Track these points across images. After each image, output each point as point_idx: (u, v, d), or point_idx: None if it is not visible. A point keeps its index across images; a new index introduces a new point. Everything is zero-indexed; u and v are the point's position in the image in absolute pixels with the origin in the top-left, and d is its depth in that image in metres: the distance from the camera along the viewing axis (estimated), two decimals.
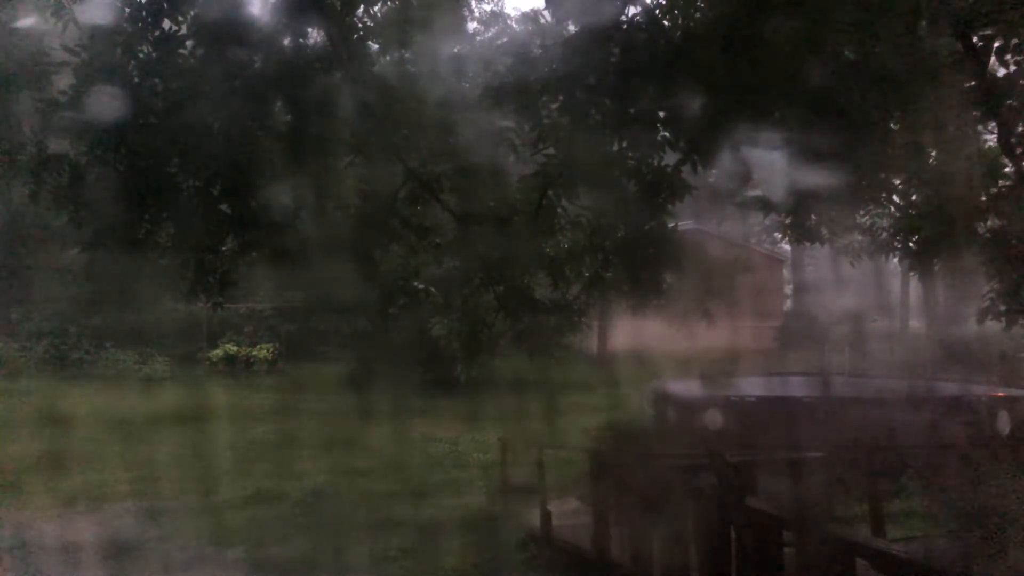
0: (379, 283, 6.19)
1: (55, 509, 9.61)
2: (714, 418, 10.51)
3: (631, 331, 16.52)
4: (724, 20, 5.06)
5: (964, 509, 5.25)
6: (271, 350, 20.41)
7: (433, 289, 6.39)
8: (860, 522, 6.41)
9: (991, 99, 5.36)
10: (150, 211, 5.37)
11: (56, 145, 5.12)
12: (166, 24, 5.08)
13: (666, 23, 5.46)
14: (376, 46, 6.22)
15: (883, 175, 6.21)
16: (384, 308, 6.34)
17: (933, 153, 6.47)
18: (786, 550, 4.91)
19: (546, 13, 6.07)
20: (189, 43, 5.19)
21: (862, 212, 7.01)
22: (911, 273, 10.64)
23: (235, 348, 20.31)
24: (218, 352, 20.10)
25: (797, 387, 11.83)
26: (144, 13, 5.01)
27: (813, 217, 6.28)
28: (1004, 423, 9.97)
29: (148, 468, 10.94)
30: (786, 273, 28.30)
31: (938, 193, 6.50)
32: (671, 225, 6.05)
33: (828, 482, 6.15)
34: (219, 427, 13.12)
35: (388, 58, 6.49)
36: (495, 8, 37.22)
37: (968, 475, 6.15)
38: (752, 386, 11.87)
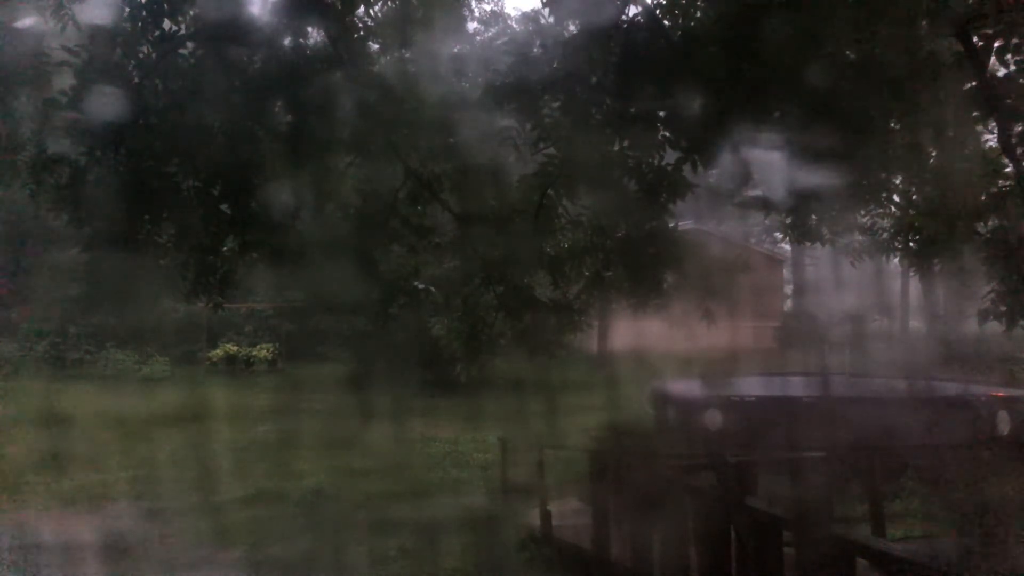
0: (379, 283, 6.19)
1: (55, 509, 9.62)
2: (714, 418, 10.50)
3: (631, 331, 16.53)
4: (724, 20, 5.06)
5: (964, 509, 5.25)
6: (271, 350, 20.43)
7: (433, 289, 6.39)
8: (860, 522, 6.40)
9: (991, 99, 5.35)
10: (150, 211, 5.37)
11: (56, 145, 5.11)
12: (166, 24, 5.07)
13: (666, 23, 5.46)
14: (376, 46, 6.22)
15: (883, 175, 6.20)
16: (384, 308, 6.33)
17: (933, 153, 6.47)
18: (786, 550, 4.91)
19: (545, 12, 6.07)
20: (189, 43, 5.19)
21: (862, 212, 7.01)
22: (911, 273, 10.64)
23: (235, 348, 20.34)
24: (218, 352, 20.12)
25: (797, 387, 11.81)
26: (144, 13, 5.01)
27: (813, 217, 6.27)
28: (1004, 423, 9.96)
29: (148, 468, 10.95)
30: (786, 273, 28.31)
31: (938, 193, 6.49)
32: (671, 225, 6.05)
33: (828, 482, 6.14)
34: (219, 427, 13.13)
35: (388, 58, 6.49)
36: (495, 8, 37.27)
37: (968, 475, 6.15)
38: (752, 386, 11.86)
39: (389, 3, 6.03)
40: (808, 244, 6.81)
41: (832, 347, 18.69)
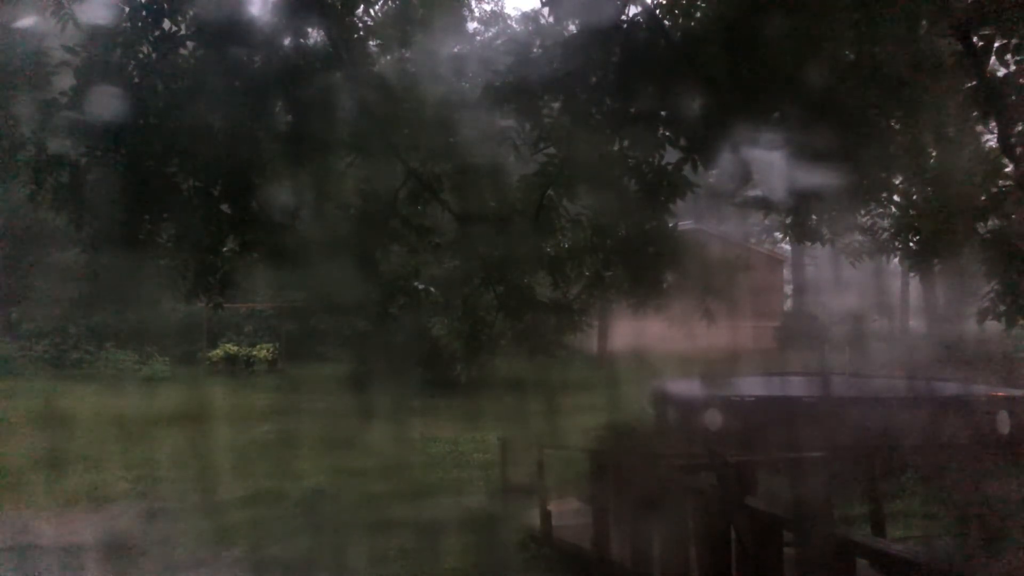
0: (379, 283, 6.19)
1: (56, 509, 9.61)
2: (714, 418, 10.50)
3: (631, 331, 16.51)
4: (724, 20, 5.07)
5: (964, 509, 5.25)
6: (271, 350, 20.42)
7: (433, 289, 6.40)
8: (860, 522, 6.40)
9: (991, 99, 5.35)
10: (150, 211, 5.37)
11: (56, 145, 5.11)
12: (166, 24, 5.08)
13: (666, 23, 5.46)
14: (376, 46, 6.22)
15: (883, 175, 6.20)
16: (384, 308, 6.34)
17: (933, 153, 6.46)
18: (786, 550, 4.90)
19: (545, 12, 6.07)
20: (189, 43, 5.19)
21: (862, 212, 7.00)
22: (911, 273, 10.63)
23: (235, 348, 20.33)
24: (218, 352, 20.12)
25: (797, 387, 11.82)
26: (144, 13, 5.01)
27: (813, 217, 6.27)
28: (1004, 423, 9.96)
29: (148, 468, 10.95)
30: (786, 273, 28.32)
31: (938, 193, 6.49)
32: (671, 225, 6.05)
33: (828, 482, 6.14)
34: (219, 427, 13.12)
35: (388, 58, 6.49)
36: (495, 8, 37.22)
37: (968, 475, 6.15)
38: (752, 386, 11.87)
39: (389, 3, 6.04)
40: (808, 244, 6.81)
41: (832, 347, 18.70)
